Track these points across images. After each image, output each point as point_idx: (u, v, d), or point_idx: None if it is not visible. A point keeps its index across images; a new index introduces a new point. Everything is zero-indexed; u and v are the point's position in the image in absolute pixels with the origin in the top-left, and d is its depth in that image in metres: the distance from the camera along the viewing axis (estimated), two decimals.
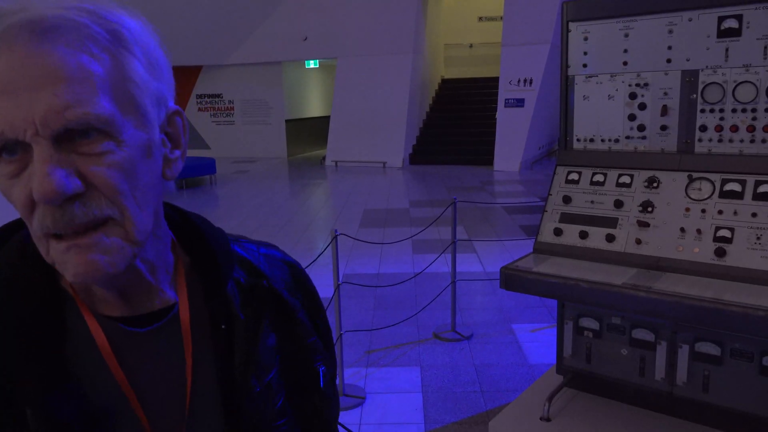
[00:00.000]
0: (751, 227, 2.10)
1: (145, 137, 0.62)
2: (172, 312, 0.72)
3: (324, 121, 18.22)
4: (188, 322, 0.72)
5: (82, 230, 0.58)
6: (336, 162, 16.36)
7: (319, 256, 4.24)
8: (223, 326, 0.74)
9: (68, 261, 0.59)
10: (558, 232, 2.49)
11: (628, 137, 2.49)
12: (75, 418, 0.63)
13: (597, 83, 2.53)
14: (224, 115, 19.49)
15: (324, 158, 16.92)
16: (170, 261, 0.73)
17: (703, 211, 2.22)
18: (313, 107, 20.72)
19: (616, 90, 2.48)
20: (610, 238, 2.37)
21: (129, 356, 0.68)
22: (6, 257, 0.66)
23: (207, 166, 13.11)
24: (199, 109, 19.46)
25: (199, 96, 19.40)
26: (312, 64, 19.26)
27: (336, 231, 3.68)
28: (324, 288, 6.01)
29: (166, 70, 0.67)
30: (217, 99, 19.38)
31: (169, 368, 0.71)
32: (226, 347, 0.74)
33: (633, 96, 2.45)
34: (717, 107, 2.25)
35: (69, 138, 0.56)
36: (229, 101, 19.31)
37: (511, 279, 2.33)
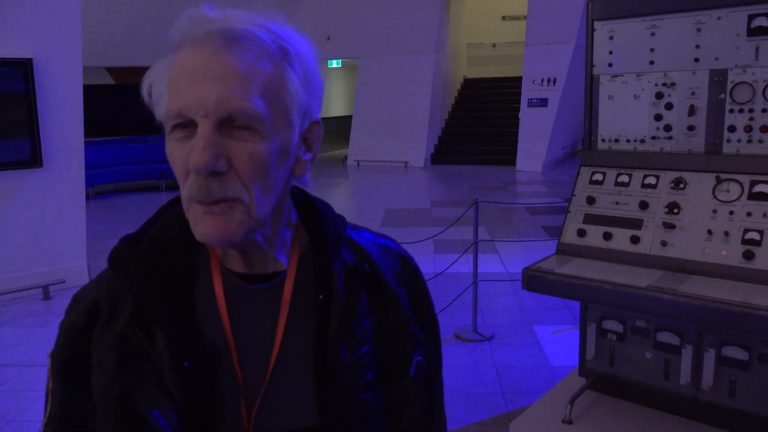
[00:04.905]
0: None
1: (286, 138, 0.74)
2: (280, 276, 0.81)
3: (346, 120, 18.27)
4: (290, 289, 0.81)
5: (216, 202, 0.70)
6: (358, 161, 16.40)
7: None
8: (321, 296, 0.81)
9: (201, 222, 0.71)
10: (581, 233, 2.47)
11: (654, 137, 2.45)
12: (191, 347, 0.75)
13: (622, 83, 2.50)
14: None
15: (346, 157, 16.97)
16: (287, 238, 0.83)
17: (731, 213, 2.18)
18: (336, 107, 20.79)
19: (642, 89, 2.45)
20: (635, 240, 2.34)
21: (238, 307, 0.79)
22: (170, 218, 0.82)
23: None
24: None
25: None
26: (335, 63, 19.33)
27: None
28: None
29: (318, 88, 0.79)
30: None
31: (266, 326, 0.80)
32: (322, 318, 0.81)
33: (659, 96, 2.41)
34: (746, 107, 2.21)
35: (228, 126, 0.69)
36: None
37: (534, 280, 2.31)
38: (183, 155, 0.70)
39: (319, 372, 0.79)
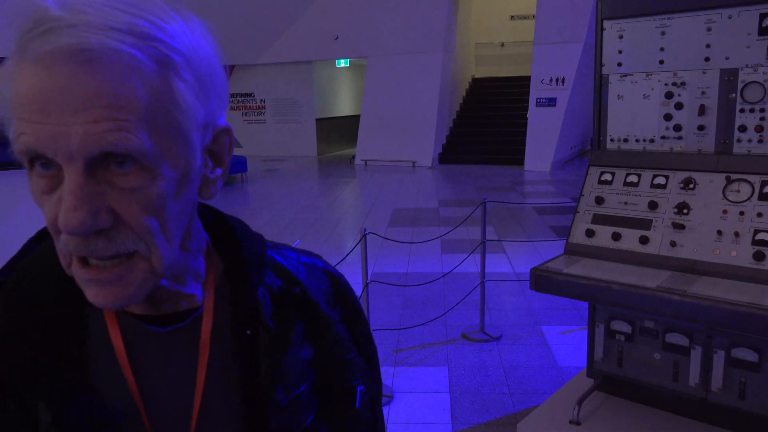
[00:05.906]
0: None
1: (184, 165, 0.60)
2: (194, 314, 0.69)
3: (354, 120, 18.29)
4: (209, 327, 0.69)
5: (107, 259, 0.57)
6: (365, 161, 16.40)
7: (348, 254, 4.26)
8: (248, 332, 0.70)
9: (88, 289, 0.58)
10: (590, 233, 2.46)
11: (663, 137, 2.44)
12: (85, 417, 0.61)
13: (632, 82, 2.48)
14: (255, 113, 19.72)
15: (353, 157, 16.97)
16: (201, 268, 0.70)
17: (742, 213, 2.16)
18: (344, 106, 20.81)
19: (652, 89, 2.44)
20: (644, 240, 2.32)
21: (144, 356, 0.66)
22: (41, 253, 0.67)
23: (238, 165, 13.26)
24: (231, 108, 19.73)
25: (231, 95, 19.65)
26: (342, 63, 19.34)
27: (365, 230, 3.69)
28: (352, 286, 6.04)
29: (219, 87, 0.63)
30: (248, 98, 19.62)
31: (181, 373, 0.67)
32: (250, 356, 0.70)
33: (669, 95, 2.40)
34: (757, 107, 2.19)
35: (104, 166, 0.54)
36: (261, 100, 19.52)
37: (542, 280, 2.30)
38: (51, 208, 0.55)
39: (252, 421, 0.68)
